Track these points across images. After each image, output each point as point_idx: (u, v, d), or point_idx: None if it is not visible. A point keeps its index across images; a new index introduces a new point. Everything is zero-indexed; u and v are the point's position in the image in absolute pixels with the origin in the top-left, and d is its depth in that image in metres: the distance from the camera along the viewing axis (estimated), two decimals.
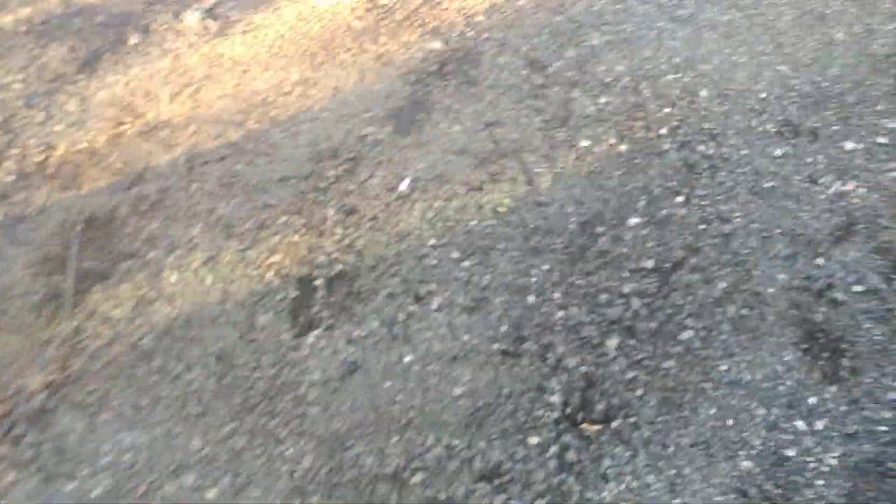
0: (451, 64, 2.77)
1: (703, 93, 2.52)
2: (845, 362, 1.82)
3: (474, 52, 2.81)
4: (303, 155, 2.47)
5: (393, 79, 2.76)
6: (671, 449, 1.71)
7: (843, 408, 1.74)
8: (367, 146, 2.50)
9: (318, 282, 2.08)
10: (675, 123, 2.44)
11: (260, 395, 1.85)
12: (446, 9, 3.01)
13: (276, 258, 2.15)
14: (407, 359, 1.91)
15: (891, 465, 1.63)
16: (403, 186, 2.36)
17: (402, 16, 3.01)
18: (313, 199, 2.32)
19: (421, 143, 2.49)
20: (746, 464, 1.68)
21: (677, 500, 1.64)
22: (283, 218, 2.26)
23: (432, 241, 2.19)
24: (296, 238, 2.19)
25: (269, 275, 2.10)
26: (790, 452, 1.68)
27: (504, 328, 1.97)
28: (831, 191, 2.18)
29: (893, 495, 1.59)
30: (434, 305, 2.03)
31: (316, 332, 1.97)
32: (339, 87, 2.74)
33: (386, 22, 2.98)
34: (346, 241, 2.19)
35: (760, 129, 2.39)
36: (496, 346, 1.93)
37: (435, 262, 2.14)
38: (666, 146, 2.37)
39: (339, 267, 2.13)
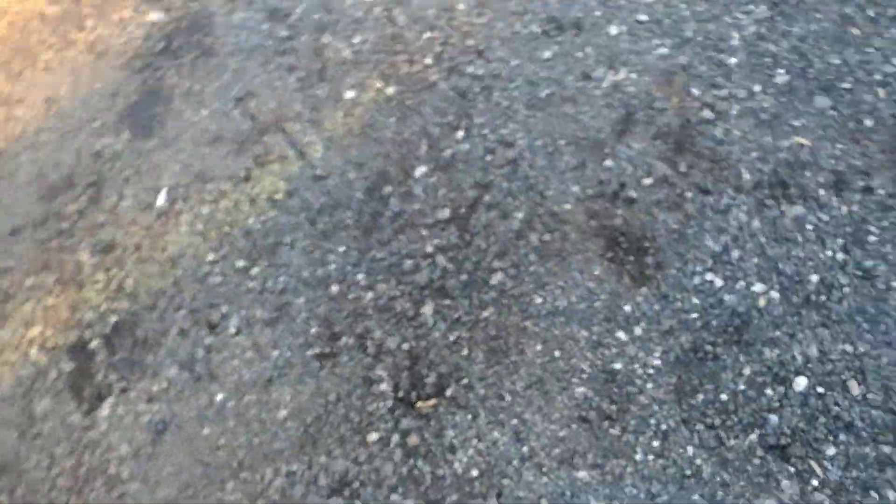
0: (180, 36, 2.78)
1: (461, 6, 2.71)
2: (649, 260, 2.14)
3: (203, 15, 2.83)
4: (31, 195, 2.44)
5: (115, 71, 2.74)
6: (508, 398, 1.98)
7: (655, 307, 2.07)
8: (106, 163, 2.51)
9: (93, 343, 2.13)
10: (439, 48, 2.62)
11: (65, 492, 1.92)
12: None
13: (35, 331, 2.16)
14: (219, 398, 2.04)
15: (707, 348, 1.99)
16: (161, 200, 2.41)
17: None
18: (59, 245, 2.32)
19: (168, 142, 2.53)
20: (581, 390, 1.98)
21: (525, 448, 1.92)
22: (30, 280, 2.26)
23: (211, 256, 2.28)
24: (52, 300, 2.21)
25: (33, 352, 2.12)
26: (618, 365, 2.00)
27: (314, 330, 2.13)
28: (605, 84, 2.48)
29: (713, 375, 1.96)
30: (232, 329, 2.15)
31: (109, 401, 2.04)
32: (51, 96, 2.69)
33: (88, 0, 2.91)
34: (114, 286, 2.24)
35: (525, 32, 2.62)
36: (310, 352, 2.09)
37: (220, 278, 2.24)
38: (434, 77, 2.56)
39: (113, 318, 2.18)
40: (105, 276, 2.26)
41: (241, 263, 2.26)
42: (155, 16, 2.83)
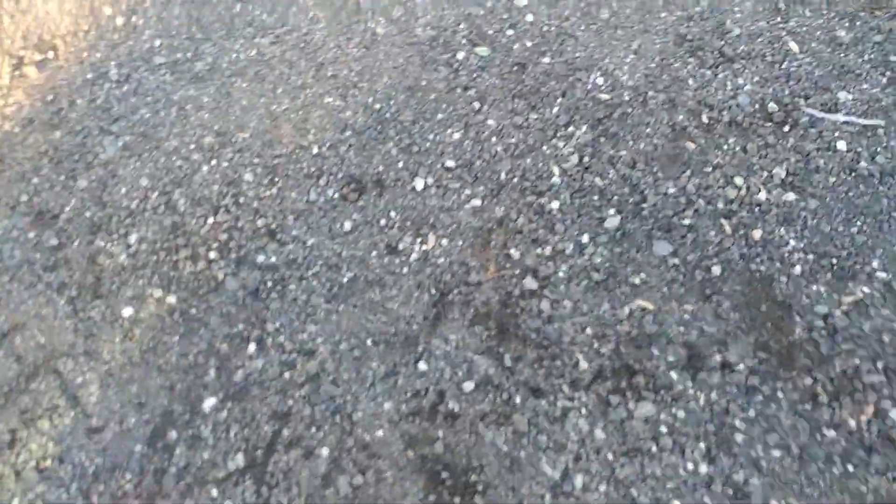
0: None
1: (248, 176, 2.08)
2: (479, 500, 1.52)
3: None
4: None
5: None
6: None
7: None
8: None
9: None
10: (225, 235, 1.98)
11: None
12: None
13: None
14: None
15: None
16: None
17: None
18: None
19: None
20: None
21: None
22: None
23: None
24: None
25: None
26: None
27: None
28: (414, 256, 1.85)
29: None
30: None
31: None
32: None
33: None
34: None
35: (322, 200, 2.00)
36: None
37: None
38: (221, 274, 1.92)
39: None
40: None
41: None
42: None
